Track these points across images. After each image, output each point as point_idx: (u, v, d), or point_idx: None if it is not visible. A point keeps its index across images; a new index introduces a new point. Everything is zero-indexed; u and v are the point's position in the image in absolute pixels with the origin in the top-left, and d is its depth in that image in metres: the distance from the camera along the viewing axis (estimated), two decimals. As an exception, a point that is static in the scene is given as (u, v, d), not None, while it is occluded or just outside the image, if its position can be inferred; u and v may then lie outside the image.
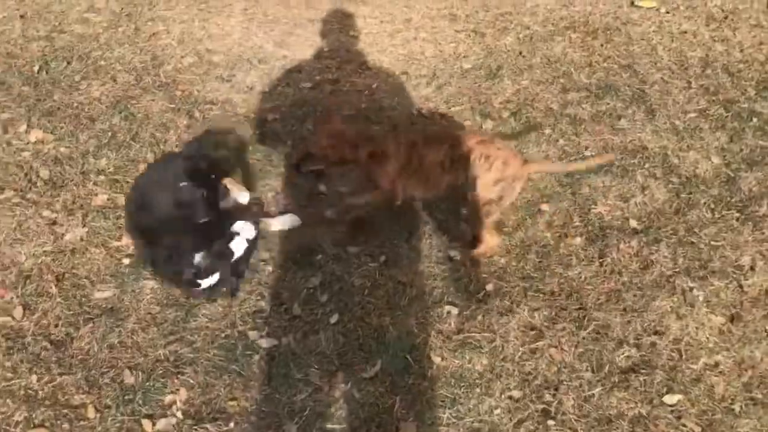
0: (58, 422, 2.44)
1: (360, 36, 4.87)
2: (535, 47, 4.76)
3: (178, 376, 2.61)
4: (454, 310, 2.91)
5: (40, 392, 2.53)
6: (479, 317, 2.89)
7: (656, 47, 4.79)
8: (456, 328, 2.85)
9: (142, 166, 3.59)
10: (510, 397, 2.57)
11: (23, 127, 3.84)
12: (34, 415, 2.45)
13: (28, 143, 3.75)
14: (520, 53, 4.70)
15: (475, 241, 3.13)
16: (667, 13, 5.25)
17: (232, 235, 2.96)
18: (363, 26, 4.97)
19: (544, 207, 3.41)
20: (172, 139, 3.83)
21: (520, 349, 2.77)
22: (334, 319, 2.88)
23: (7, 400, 2.48)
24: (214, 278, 2.86)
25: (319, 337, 2.80)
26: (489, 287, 3.02)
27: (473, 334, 2.82)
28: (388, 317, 2.89)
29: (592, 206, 3.40)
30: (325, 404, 2.56)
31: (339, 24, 5.01)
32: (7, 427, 2.41)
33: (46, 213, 3.29)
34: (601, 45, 4.76)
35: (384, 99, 4.24)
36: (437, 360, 2.72)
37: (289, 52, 4.66)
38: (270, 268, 3.09)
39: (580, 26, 4.97)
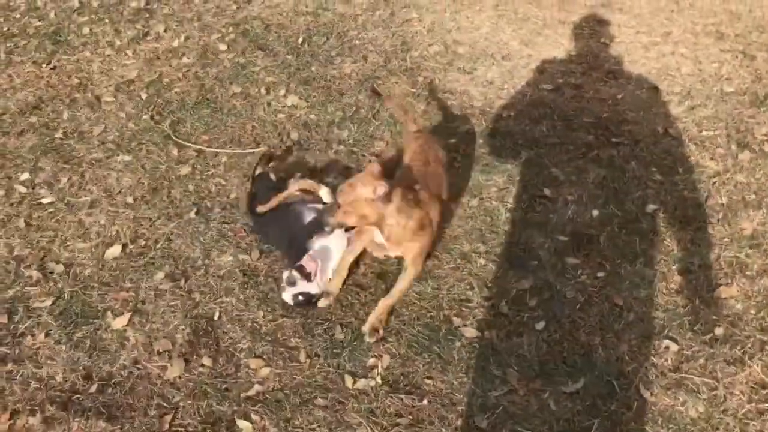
0: (274, 358, 2.68)
1: (611, 44, 4.65)
2: (817, 78, 4.20)
3: (383, 343, 2.72)
4: (674, 347, 2.69)
5: (263, 327, 2.79)
6: (701, 360, 2.64)
7: None
8: (673, 365, 2.63)
9: (378, 144, 3.79)
10: (726, 455, 2.32)
11: (282, 91, 4.23)
12: (255, 347, 2.71)
13: (284, 106, 4.12)
14: (797, 83, 4.18)
15: None
16: None
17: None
18: (616, 34, 4.75)
19: (801, 257, 3.01)
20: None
21: (746, 406, 2.48)
22: (540, 325, 2.80)
23: (237, 327, 2.78)
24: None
25: (523, 340, 2.75)
26: (718, 331, 2.74)
27: (692, 376, 2.58)
28: (598, 337, 2.75)
29: None
30: (519, 407, 2.51)
31: (591, 29, 4.83)
32: (233, 351, 2.70)
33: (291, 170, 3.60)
34: None
35: (628, 112, 4.01)
36: (646, 394, 2.53)
37: (534, 52, 4.60)
38: (483, 261, 3.09)
39: None
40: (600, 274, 3.01)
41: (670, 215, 3.30)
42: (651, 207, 3.35)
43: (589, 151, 3.72)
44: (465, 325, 2.81)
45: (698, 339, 2.72)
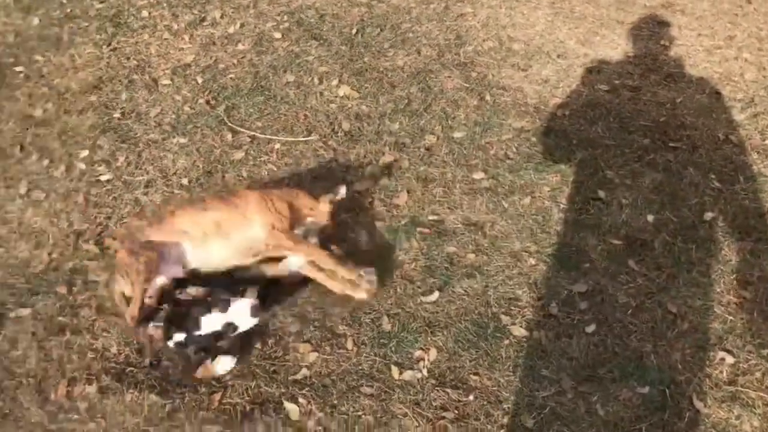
0: (322, 344, 2.70)
1: (671, 46, 4.54)
2: None
3: (431, 336, 2.72)
4: (730, 359, 2.63)
5: (312, 314, 2.81)
6: (758, 374, 2.58)
7: None
8: (728, 378, 2.57)
9: (428, 137, 3.78)
10: (781, 472, 2.26)
11: (335, 82, 4.24)
12: (304, 332, 2.73)
13: (336, 96, 4.13)
14: None
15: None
16: None
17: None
18: (677, 36, 4.64)
19: None
20: (461, 116, 3.95)
21: (804, 423, 2.41)
22: (590, 329, 2.77)
23: (286, 312, 2.81)
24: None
25: (572, 341, 2.72)
26: (777, 345, 2.67)
27: (747, 390, 2.53)
28: (649, 344, 2.71)
29: None
30: (567, 409, 2.48)
31: (650, 30, 4.73)
32: (282, 335, 2.73)
33: (342, 161, 3.62)
34: None
35: (687, 116, 3.92)
36: (699, 404, 2.48)
37: (591, 51, 4.53)
38: (533, 261, 3.06)
39: None
40: (654, 280, 2.96)
41: (729, 224, 3.22)
42: (709, 215, 3.27)
43: (645, 155, 3.65)
44: (513, 324, 2.79)
45: (757, 353, 2.65)
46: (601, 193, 3.39)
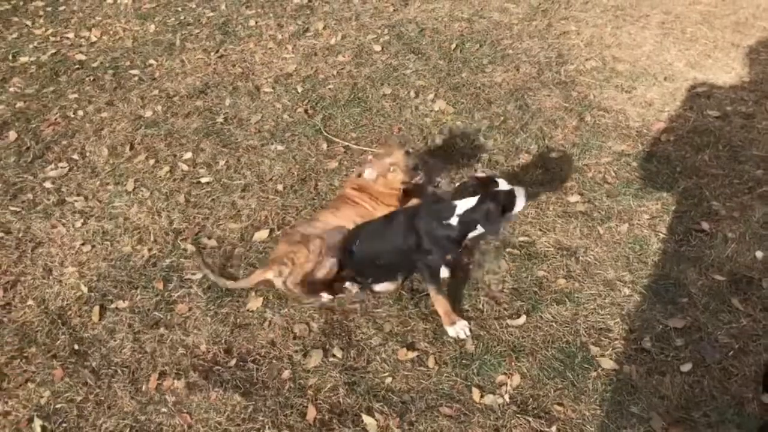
0: (403, 360, 2.68)
1: (792, 72, 4.26)
2: None
3: (515, 361, 2.65)
4: (844, 414, 2.41)
5: (395, 329, 2.81)
6: None
7: None
8: (841, 435, 2.35)
9: (523, 156, 3.71)
10: None
11: (431, 96, 4.25)
12: (386, 345, 2.73)
13: (431, 111, 4.13)
14: None
15: None
16: None
17: None
18: (799, 62, 4.35)
19: None
20: (558, 136, 3.85)
21: None
22: (686, 368, 2.61)
23: (369, 324, 2.82)
24: None
25: (665, 379, 2.58)
26: None
27: None
28: (751, 390, 2.52)
29: None
30: (657, 452, 2.35)
31: (768, 55, 4.46)
32: (364, 346, 2.74)
33: (433, 175, 3.60)
34: None
35: (806, 148, 3.65)
36: (806, 461, 2.28)
37: (701, 75, 4.31)
38: (627, 291, 2.93)
39: None
40: (760, 322, 2.76)
41: None
42: (826, 255, 3.03)
43: (757, 187, 3.42)
44: (603, 356, 2.67)
45: None
46: (705, 225, 3.20)
